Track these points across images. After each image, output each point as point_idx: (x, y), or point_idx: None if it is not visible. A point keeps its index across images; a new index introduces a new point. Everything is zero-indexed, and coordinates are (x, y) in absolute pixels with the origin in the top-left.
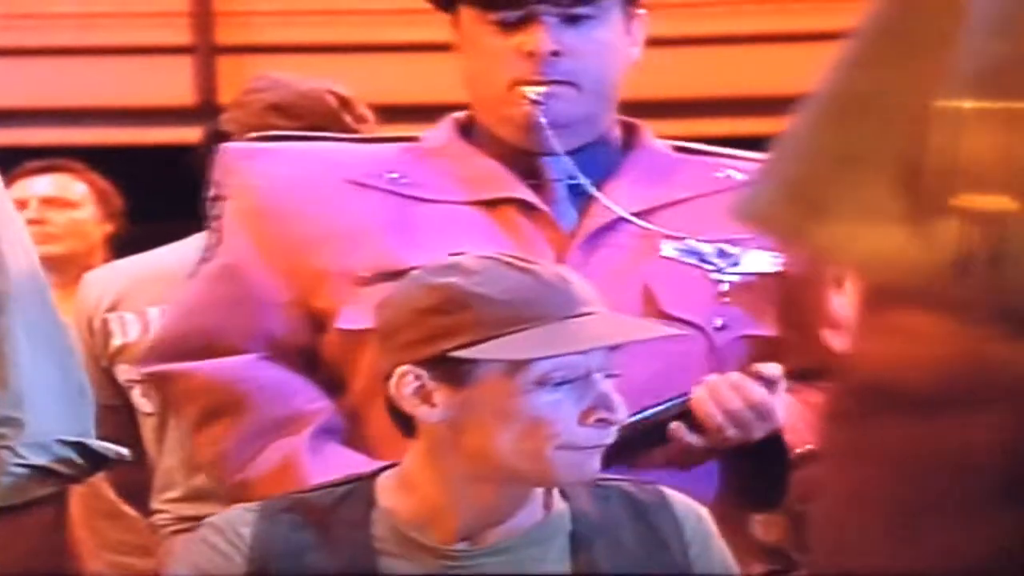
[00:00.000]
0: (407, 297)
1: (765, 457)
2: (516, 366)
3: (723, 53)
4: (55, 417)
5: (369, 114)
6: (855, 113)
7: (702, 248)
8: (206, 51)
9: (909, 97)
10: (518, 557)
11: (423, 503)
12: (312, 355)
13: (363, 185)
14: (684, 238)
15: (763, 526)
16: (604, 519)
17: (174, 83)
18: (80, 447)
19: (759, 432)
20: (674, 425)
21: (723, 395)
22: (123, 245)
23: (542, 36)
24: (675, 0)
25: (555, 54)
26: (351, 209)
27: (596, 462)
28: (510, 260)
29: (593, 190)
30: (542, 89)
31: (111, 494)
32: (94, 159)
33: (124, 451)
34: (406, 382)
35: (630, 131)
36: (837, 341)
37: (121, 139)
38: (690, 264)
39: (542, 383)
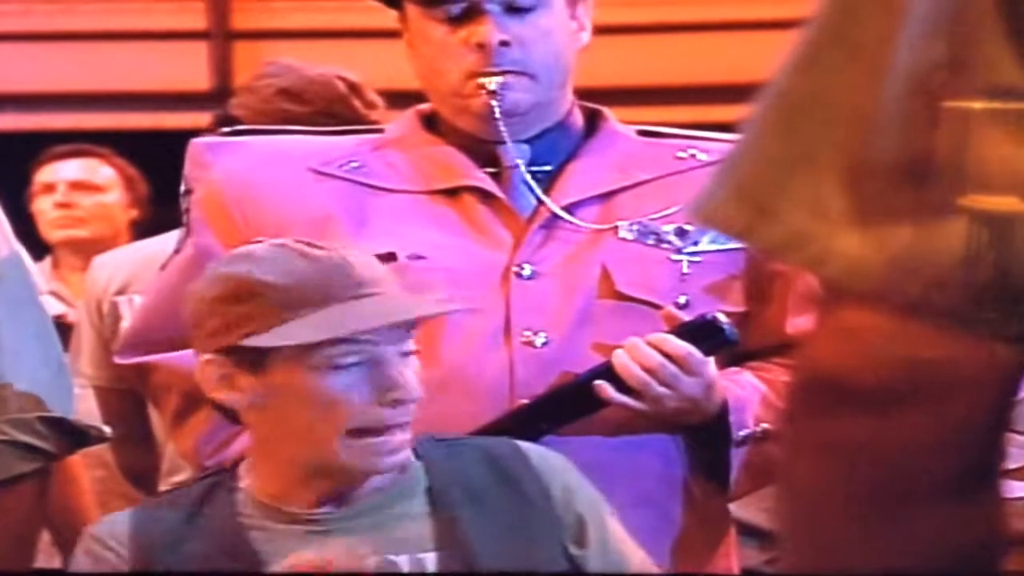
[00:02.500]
0: (205, 287)
1: (717, 433)
2: (305, 350)
3: (695, 41)
4: (37, 395)
5: (379, 100)
6: (800, 114)
7: (660, 228)
8: (222, 36)
9: (851, 97)
10: (382, 516)
11: (276, 477)
12: None
13: (324, 174)
14: (626, 225)
15: (767, 513)
16: (458, 471)
17: (190, 68)
18: (61, 424)
19: (692, 390)
20: (598, 382)
21: (641, 352)
22: (138, 229)
23: (489, 28)
24: None
25: (504, 44)
26: (313, 198)
27: (394, 447)
28: (300, 247)
29: (536, 187)
30: (497, 79)
31: None
32: (111, 143)
33: (106, 429)
34: (211, 370)
35: (592, 116)
36: (803, 319)
37: (137, 124)
38: (649, 245)
39: (333, 366)
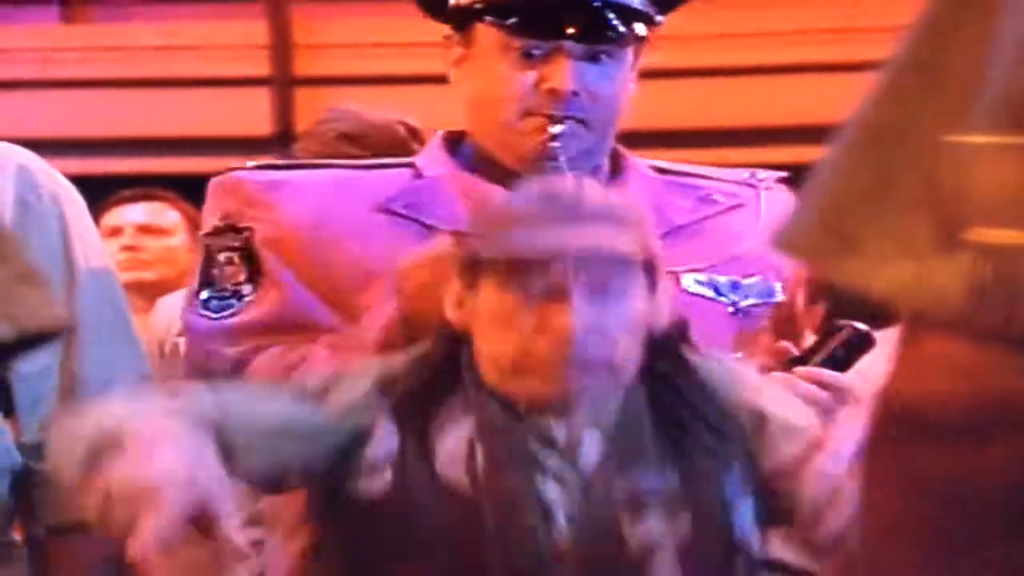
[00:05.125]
0: None
1: None
2: (504, 273)
3: (746, 84)
4: None
5: None
6: (886, 145)
7: (718, 281)
8: (284, 83)
9: (938, 129)
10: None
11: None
12: None
13: (391, 212)
14: (701, 269)
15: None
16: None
17: (252, 114)
18: None
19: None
20: None
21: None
22: None
23: (565, 74)
24: (696, 33)
25: (575, 93)
26: (379, 239)
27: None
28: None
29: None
30: (562, 127)
31: None
32: (174, 187)
33: None
34: (451, 293)
35: (614, 157)
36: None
37: (200, 168)
38: (706, 297)
39: (525, 293)
